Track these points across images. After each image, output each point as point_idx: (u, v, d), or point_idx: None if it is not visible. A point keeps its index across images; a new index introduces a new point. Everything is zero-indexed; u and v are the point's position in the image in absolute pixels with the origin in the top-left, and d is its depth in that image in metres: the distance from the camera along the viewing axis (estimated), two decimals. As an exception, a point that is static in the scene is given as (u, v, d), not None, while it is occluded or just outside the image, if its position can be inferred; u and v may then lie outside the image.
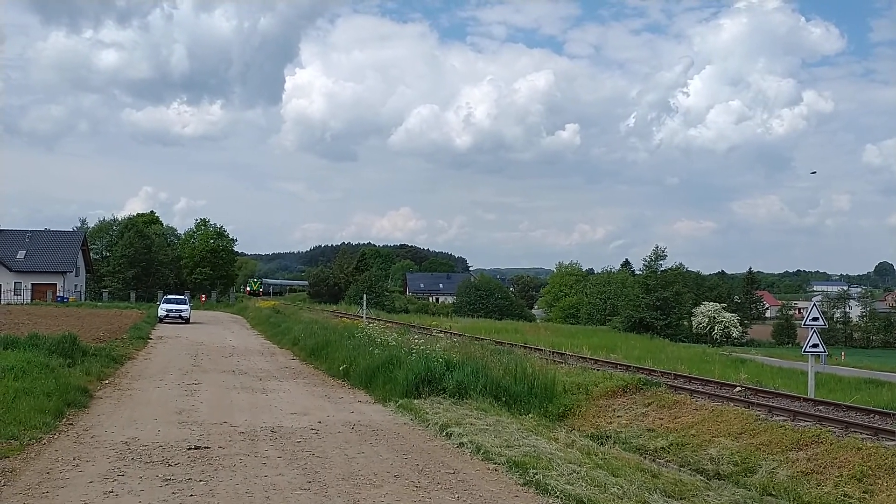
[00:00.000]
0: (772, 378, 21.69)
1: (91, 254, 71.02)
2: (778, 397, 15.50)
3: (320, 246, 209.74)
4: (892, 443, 10.93)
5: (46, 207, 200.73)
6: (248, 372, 17.87)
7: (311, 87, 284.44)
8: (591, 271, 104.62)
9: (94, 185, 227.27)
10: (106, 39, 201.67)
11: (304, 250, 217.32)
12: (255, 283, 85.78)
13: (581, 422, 14.65)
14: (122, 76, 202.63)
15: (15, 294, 59.12)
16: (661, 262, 68.99)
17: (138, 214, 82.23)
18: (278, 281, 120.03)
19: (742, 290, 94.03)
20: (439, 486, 7.85)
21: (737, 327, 64.89)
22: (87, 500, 6.91)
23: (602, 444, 11.92)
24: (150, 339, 26.93)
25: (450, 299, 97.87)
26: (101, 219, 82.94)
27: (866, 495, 9.61)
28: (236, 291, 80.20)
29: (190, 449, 9.09)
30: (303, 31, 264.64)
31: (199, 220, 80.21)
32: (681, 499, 8.44)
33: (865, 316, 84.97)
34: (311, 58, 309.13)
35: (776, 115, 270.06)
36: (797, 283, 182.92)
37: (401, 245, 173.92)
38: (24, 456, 8.40)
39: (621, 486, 8.02)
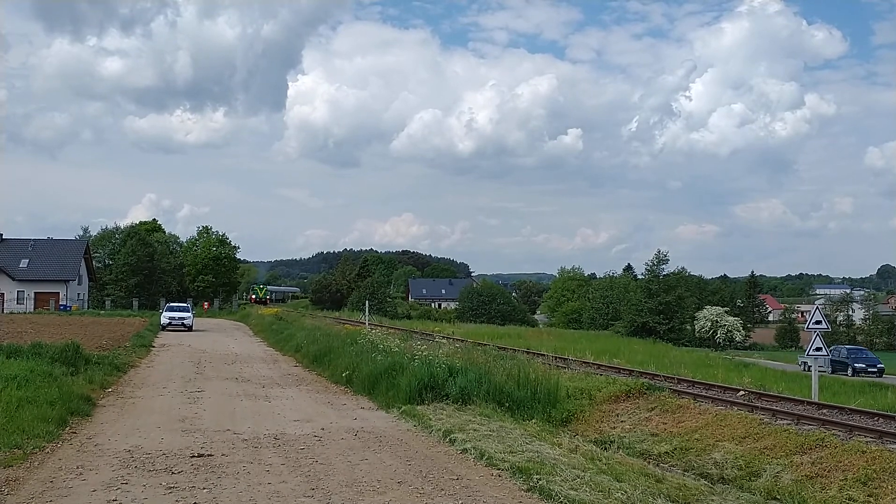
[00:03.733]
0: (775, 382, 21.62)
1: (94, 262, 71.10)
2: (781, 401, 15.47)
3: (323, 252, 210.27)
4: (897, 446, 10.91)
5: (50, 216, 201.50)
6: (251, 379, 17.86)
7: (313, 94, 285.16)
8: (593, 276, 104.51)
9: (98, 193, 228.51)
10: (109, 47, 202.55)
11: (306, 257, 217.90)
12: (261, 289, 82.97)
13: (584, 427, 14.63)
14: (126, 84, 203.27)
15: (18, 303, 59.17)
16: (664, 266, 68.96)
17: (141, 222, 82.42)
18: (280, 288, 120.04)
19: (745, 294, 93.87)
20: (443, 492, 7.84)
21: (740, 331, 64.73)
22: (91, 508, 6.91)
23: (606, 449, 11.91)
24: (153, 346, 26.94)
25: (452, 305, 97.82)
26: (104, 227, 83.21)
27: (871, 499, 9.58)
28: (239, 299, 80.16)
29: (193, 457, 9.09)
30: (305, 38, 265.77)
31: (201, 228, 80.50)
32: (685, 503, 8.42)
33: (868, 319, 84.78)
34: (313, 64, 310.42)
35: (779, 118, 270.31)
36: (800, 286, 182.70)
37: (403, 251, 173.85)
38: (28, 465, 8.40)
39: (625, 491, 8.01)
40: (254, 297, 78.84)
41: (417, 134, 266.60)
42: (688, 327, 66.09)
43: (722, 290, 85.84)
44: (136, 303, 64.24)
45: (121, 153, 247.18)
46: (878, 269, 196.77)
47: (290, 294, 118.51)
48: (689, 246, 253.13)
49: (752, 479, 10.93)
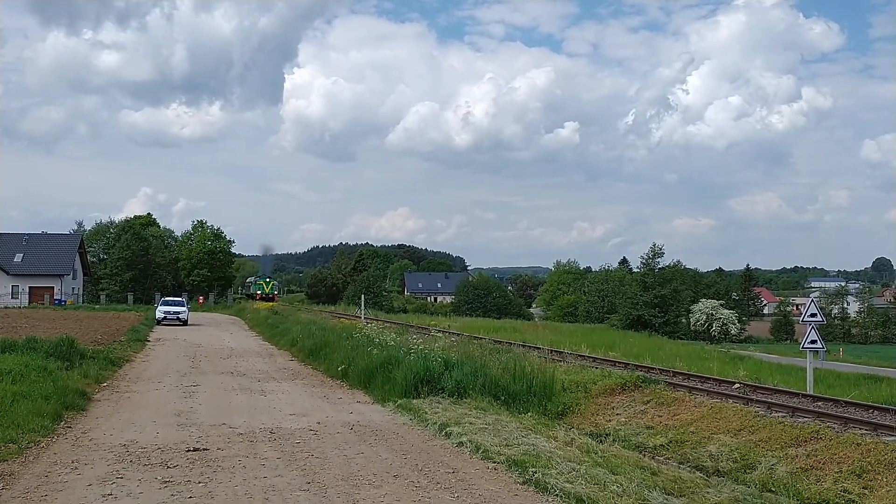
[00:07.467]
0: (770, 374, 21.68)
1: (88, 256, 70.93)
2: (777, 394, 15.50)
3: (318, 246, 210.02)
4: (892, 438, 10.94)
5: (45, 210, 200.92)
6: (246, 373, 17.84)
7: (309, 88, 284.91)
8: (588, 269, 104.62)
9: (93, 188, 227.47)
10: (105, 40, 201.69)
11: (302, 251, 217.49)
12: (268, 283, 72.06)
13: (580, 420, 14.65)
14: (121, 77, 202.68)
15: (12, 297, 59.00)
16: (659, 259, 69.00)
17: (135, 217, 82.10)
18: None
19: (740, 287, 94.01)
20: (439, 485, 7.84)
21: (735, 324, 64.81)
22: (86, 502, 6.89)
23: (601, 441, 11.91)
24: (148, 341, 26.88)
25: (448, 299, 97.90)
26: (98, 221, 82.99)
27: (866, 491, 9.61)
28: (234, 293, 79.79)
29: (189, 451, 9.07)
30: (301, 32, 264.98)
31: (196, 222, 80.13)
32: (680, 496, 8.43)
33: (863, 312, 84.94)
34: (309, 58, 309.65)
35: (775, 111, 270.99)
36: (795, 279, 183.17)
37: (399, 245, 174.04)
38: (23, 459, 8.37)
39: (621, 484, 8.01)
40: (259, 292, 69.48)
41: (414, 128, 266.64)
42: (683, 320, 66.15)
43: (717, 284, 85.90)
44: (131, 297, 64.09)
45: (116, 147, 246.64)
46: (874, 262, 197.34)
47: (285, 288, 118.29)
48: (684, 239, 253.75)
49: (748, 471, 10.96)
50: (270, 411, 12.38)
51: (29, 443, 9.09)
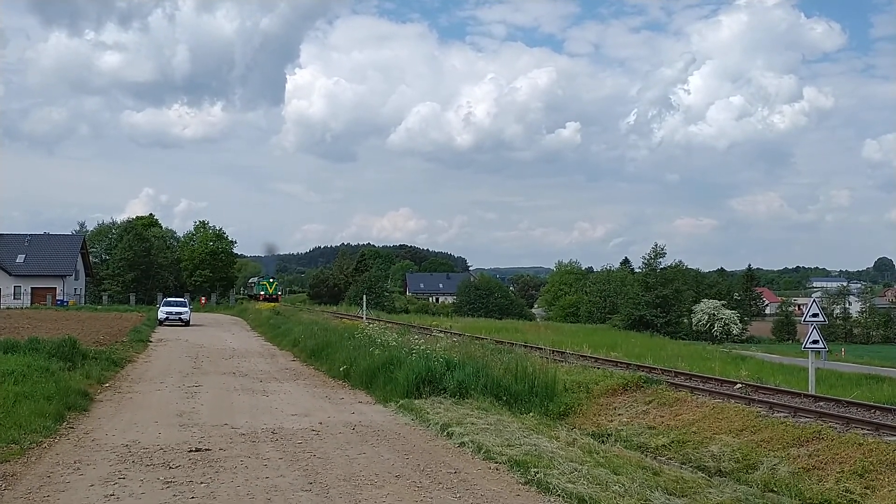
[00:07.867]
0: (772, 375, 21.66)
1: (90, 257, 71.00)
2: (778, 394, 15.49)
3: (320, 247, 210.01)
4: (894, 438, 10.93)
5: (47, 211, 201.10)
6: (248, 374, 17.85)
7: (311, 88, 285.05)
8: (590, 270, 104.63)
9: (95, 188, 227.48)
10: (107, 41, 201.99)
11: (303, 251, 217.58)
12: (271, 284, 69.61)
13: (582, 420, 14.65)
14: (123, 78, 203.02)
15: (14, 298, 59.08)
16: (661, 259, 69.00)
17: (137, 217, 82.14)
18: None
19: (742, 287, 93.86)
20: (441, 485, 7.84)
21: (737, 324, 64.78)
22: (88, 503, 6.90)
23: (603, 442, 11.92)
24: (151, 341, 26.91)
25: (450, 299, 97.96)
26: (100, 222, 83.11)
27: (868, 491, 9.61)
28: (236, 294, 79.81)
29: (191, 451, 9.09)
30: (303, 32, 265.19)
31: (198, 223, 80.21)
32: (682, 496, 8.43)
33: (865, 311, 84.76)
34: (310, 58, 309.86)
35: (777, 111, 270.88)
36: (797, 279, 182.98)
37: (400, 245, 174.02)
38: (25, 460, 8.39)
39: (623, 485, 8.01)
40: (262, 293, 67.30)
41: (415, 128, 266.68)
42: (685, 320, 66.17)
43: (719, 284, 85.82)
44: (133, 298, 64.13)
45: (118, 148, 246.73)
46: (875, 262, 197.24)
47: (287, 289, 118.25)
48: (686, 239, 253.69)
49: (750, 471, 10.95)
50: (272, 412, 12.39)
51: (31, 443, 9.11)
